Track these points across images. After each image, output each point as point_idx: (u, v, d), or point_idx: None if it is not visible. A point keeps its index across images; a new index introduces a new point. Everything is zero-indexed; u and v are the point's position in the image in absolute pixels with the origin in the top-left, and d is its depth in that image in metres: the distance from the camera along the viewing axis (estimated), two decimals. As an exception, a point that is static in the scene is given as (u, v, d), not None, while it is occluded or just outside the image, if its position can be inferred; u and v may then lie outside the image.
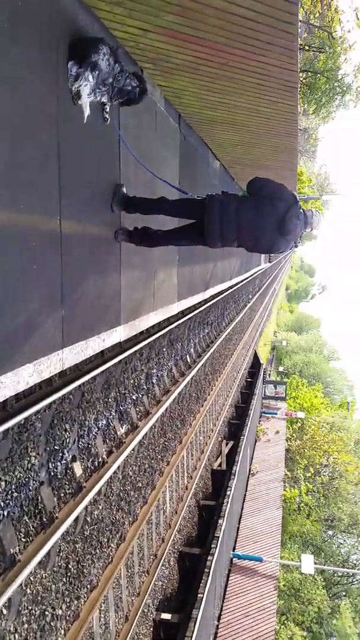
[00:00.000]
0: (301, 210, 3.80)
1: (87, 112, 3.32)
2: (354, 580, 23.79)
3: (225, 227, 3.72)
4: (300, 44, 13.37)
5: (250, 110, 5.97)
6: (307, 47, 14.26)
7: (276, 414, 25.53)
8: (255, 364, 24.88)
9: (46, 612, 4.08)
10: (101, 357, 5.41)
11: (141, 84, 3.65)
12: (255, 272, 24.55)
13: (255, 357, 25.76)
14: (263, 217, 3.65)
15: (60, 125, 3.05)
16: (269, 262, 34.63)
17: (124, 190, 4.05)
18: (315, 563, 15.64)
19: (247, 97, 5.42)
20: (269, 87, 5.04)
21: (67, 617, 4.47)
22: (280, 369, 45.89)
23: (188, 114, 6.31)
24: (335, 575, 23.60)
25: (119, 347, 5.91)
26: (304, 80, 14.75)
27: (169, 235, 4.14)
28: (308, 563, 14.98)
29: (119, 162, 4.07)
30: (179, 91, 5.37)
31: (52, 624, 4.15)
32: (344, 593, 22.48)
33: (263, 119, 6.39)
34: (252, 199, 3.77)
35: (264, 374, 25.92)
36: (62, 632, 4.36)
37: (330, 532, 25.18)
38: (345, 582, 23.87)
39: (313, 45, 14.41)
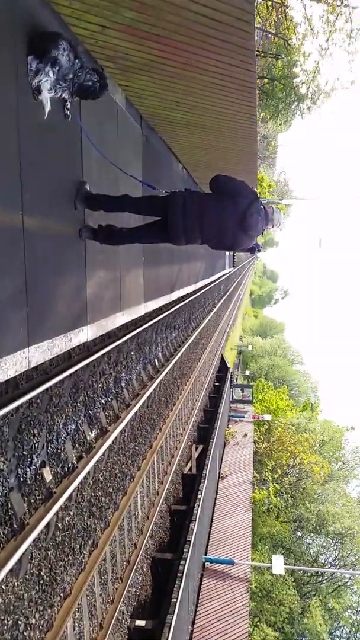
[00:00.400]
0: (262, 207, 3.86)
1: (47, 107, 3.27)
2: (323, 579, 24.08)
3: (189, 223, 3.74)
4: (258, 51, 13.63)
5: (211, 111, 6.03)
6: (263, 54, 14.55)
7: (244, 417, 25.70)
8: (222, 368, 25.00)
9: (19, 622, 3.96)
10: (69, 359, 5.34)
11: (101, 79, 3.63)
12: (220, 277, 24.74)
13: (222, 361, 25.90)
14: (225, 213, 3.69)
15: (21, 120, 2.99)
16: (233, 266, 35.01)
17: (87, 187, 4.01)
18: (285, 564, 15.75)
19: (207, 97, 5.47)
20: (228, 87, 5.11)
21: (41, 627, 4.35)
22: (247, 372, 46.26)
23: (150, 115, 6.32)
24: (305, 575, 23.84)
25: (87, 350, 5.84)
26: (262, 87, 15.03)
27: (133, 233, 4.12)
28: (278, 564, 15.05)
29: (82, 159, 4.03)
30: (140, 91, 5.38)
31: (25, 634, 4.03)
32: (313, 592, 22.71)
33: (223, 121, 6.46)
34: (214, 196, 3.82)
35: (231, 378, 26.07)
36: (35, 642, 4.24)
37: (299, 533, 25.45)
38: (314, 581, 24.14)
39: (270, 53, 14.72)
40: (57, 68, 3.21)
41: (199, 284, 14.45)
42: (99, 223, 4.13)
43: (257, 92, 7.56)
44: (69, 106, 3.65)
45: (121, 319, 5.34)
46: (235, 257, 35.93)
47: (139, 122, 6.14)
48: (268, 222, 3.96)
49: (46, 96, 3.23)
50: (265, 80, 15.09)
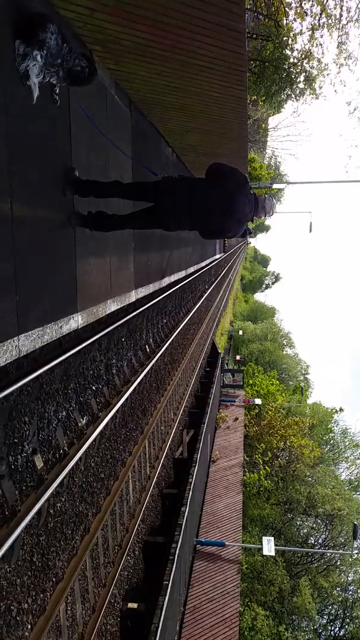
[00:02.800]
0: (252, 193, 3.86)
1: (36, 92, 3.22)
2: (313, 559, 24.52)
3: (178, 209, 3.73)
4: (248, 33, 13.46)
5: (200, 94, 5.96)
6: (254, 36, 14.37)
7: (235, 401, 25.88)
8: (213, 353, 25.09)
9: (12, 607, 4.00)
10: (60, 347, 5.32)
11: (90, 65, 3.57)
12: (211, 262, 24.69)
13: (213, 346, 25.98)
14: (213, 196, 3.69)
15: (8, 106, 2.94)
16: (224, 252, 34.92)
17: (76, 173, 3.97)
18: (275, 545, 16.00)
19: (197, 80, 5.41)
20: (218, 71, 5.05)
21: (34, 611, 4.40)
22: (238, 357, 46.44)
23: (139, 99, 6.24)
24: (295, 555, 24.27)
25: (77, 337, 5.82)
26: (253, 69, 14.86)
27: (124, 219, 4.09)
28: (269, 545, 15.30)
29: (70, 145, 3.98)
30: (129, 75, 5.30)
31: (18, 618, 4.07)
32: (303, 572, 23.13)
33: (213, 104, 6.40)
34: (204, 181, 3.82)
35: (222, 363, 26.17)
36: (29, 626, 4.29)
37: (289, 515, 25.82)
38: (304, 561, 24.58)
39: (260, 35, 14.53)
40: (45, 52, 3.14)
41: (190, 270, 14.42)
42: (88, 210, 4.09)
43: (248, 74, 7.48)
44: (57, 91, 3.59)
45: (112, 306, 5.33)
46: (226, 242, 35.84)
47: (129, 106, 6.06)
48: (259, 210, 3.96)
49: (34, 81, 3.17)
50: (257, 62, 14.90)
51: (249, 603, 17.29)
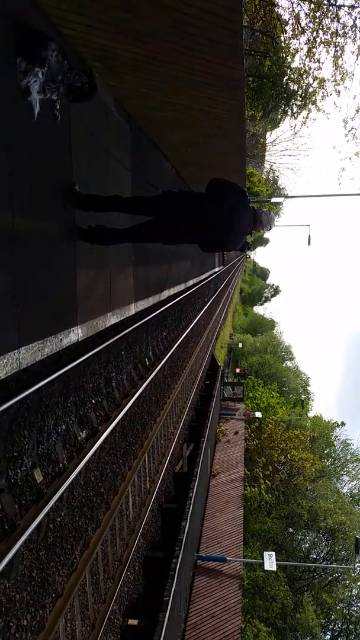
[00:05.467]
0: (251, 207, 3.92)
1: (37, 109, 3.26)
2: (315, 574, 24.26)
3: (178, 223, 3.78)
4: (246, 49, 13.64)
5: (199, 110, 6.04)
6: (252, 52, 14.57)
7: (235, 414, 25.80)
8: (213, 366, 25.05)
9: (10, 624, 3.95)
10: (59, 360, 5.32)
11: (91, 81, 3.63)
12: (210, 275, 24.76)
13: (213, 359, 25.94)
14: (212, 210, 3.73)
15: (9, 122, 2.98)
16: (223, 265, 35.04)
17: (77, 188, 4.01)
18: (277, 560, 15.87)
19: (196, 96, 5.49)
20: (217, 87, 5.13)
21: (33, 628, 4.34)
22: (238, 370, 46.34)
23: (139, 114, 6.31)
24: (297, 570, 24.01)
25: (77, 350, 5.83)
26: (251, 85, 15.04)
27: (123, 233, 4.13)
28: (270, 560, 15.16)
29: (71, 159, 4.02)
30: (129, 91, 5.37)
31: (17, 635, 4.02)
32: (306, 588, 22.88)
33: (212, 119, 6.47)
34: (204, 195, 3.87)
35: (221, 376, 26.12)
36: (28, 643, 4.23)
37: (290, 530, 25.60)
38: (306, 577, 24.31)
39: (258, 51, 14.73)
40: (46, 69, 3.19)
41: (189, 283, 14.46)
42: (88, 224, 4.13)
43: (246, 90, 7.58)
44: (58, 107, 3.64)
45: (112, 319, 5.34)
46: (225, 255, 35.98)
47: (128, 122, 6.13)
48: (257, 223, 4.00)
49: (35, 97, 3.22)
50: (254, 78, 15.08)
51: (251, 619, 17.08)
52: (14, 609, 4.04)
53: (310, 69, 14.39)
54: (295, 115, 16.81)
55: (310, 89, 15.22)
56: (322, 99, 15.08)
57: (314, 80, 14.65)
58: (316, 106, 15.52)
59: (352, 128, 15.83)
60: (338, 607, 22.96)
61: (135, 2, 3.39)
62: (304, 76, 14.75)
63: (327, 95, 14.65)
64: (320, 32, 13.16)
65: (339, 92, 14.30)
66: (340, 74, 13.94)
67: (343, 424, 36.45)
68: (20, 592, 4.18)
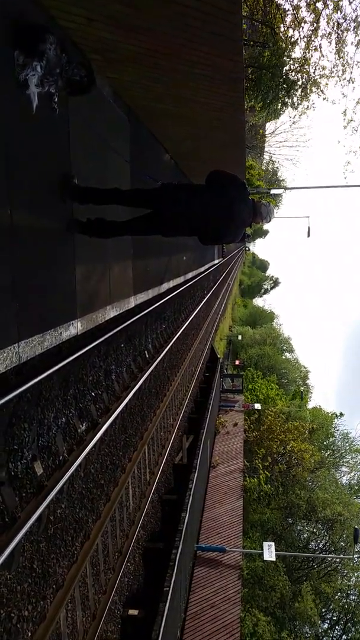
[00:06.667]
0: (250, 199, 3.91)
1: (35, 102, 3.24)
2: (313, 564, 24.43)
3: (178, 215, 3.78)
4: (245, 40, 13.55)
5: (198, 102, 6.01)
6: (251, 43, 14.45)
7: (234, 406, 25.87)
8: (212, 358, 25.09)
9: (12, 614, 4.00)
10: (58, 353, 5.33)
11: (89, 74, 3.61)
12: (209, 268, 24.74)
13: (212, 351, 25.98)
14: (212, 202, 3.73)
15: (7, 115, 2.97)
16: (222, 257, 34.99)
17: (75, 181, 4.00)
18: (276, 550, 15.97)
19: (194, 88, 5.46)
20: (215, 79, 5.10)
21: (34, 618, 4.39)
22: (237, 362, 46.40)
23: (138, 106, 6.28)
24: (296, 560, 24.18)
25: (77, 343, 5.83)
26: (250, 76, 14.93)
27: (123, 225, 4.12)
28: (270, 550, 15.27)
29: (69, 152, 4.01)
30: (128, 83, 5.34)
31: (18, 625, 4.07)
32: (304, 578, 23.04)
33: (211, 111, 6.45)
34: (203, 187, 3.87)
35: (221, 368, 26.17)
36: (29, 633, 4.28)
37: (289, 520, 25.75)
38: (305, 567, 24.49)
39: (257, 42, 14.61)
40: (44, 62, 3.17)
41: (189, 275, 14.46)
42: (87, 217, 4.12)
43: (245, 81, 7.53)
44: (56, 100, 3.62)
45: (111, 312, 5.34)
46: (225, 248, 35.92)
47: (127, 114, 6.10)
48: (257, 215, 4.00)
49: (33, 90, 3.20)
50: (254, 69, 14.96)
51: (250, 609, 17.21)
52: (15, 600, 4.08)
53: (311, 57, 14.31)
54: (296, 105, 16.68)
55: (311, 80, 15.10)
56: (325, 86, 14.98)
57: (315, 69, 14.56)
58: (320, 91, 15.36)
59: (351, 119, 15.73)
60: (336, 597, 23.13)
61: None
62: (305, 66, 14.65)
63: (328, 83, 14.57)
64: (322, 21, 13.06)
65: (341, 84, 14.22)
66: (342, 65, 13.86)
67: (342, 414, 36.56)
68: (21, 584, 4.22)
